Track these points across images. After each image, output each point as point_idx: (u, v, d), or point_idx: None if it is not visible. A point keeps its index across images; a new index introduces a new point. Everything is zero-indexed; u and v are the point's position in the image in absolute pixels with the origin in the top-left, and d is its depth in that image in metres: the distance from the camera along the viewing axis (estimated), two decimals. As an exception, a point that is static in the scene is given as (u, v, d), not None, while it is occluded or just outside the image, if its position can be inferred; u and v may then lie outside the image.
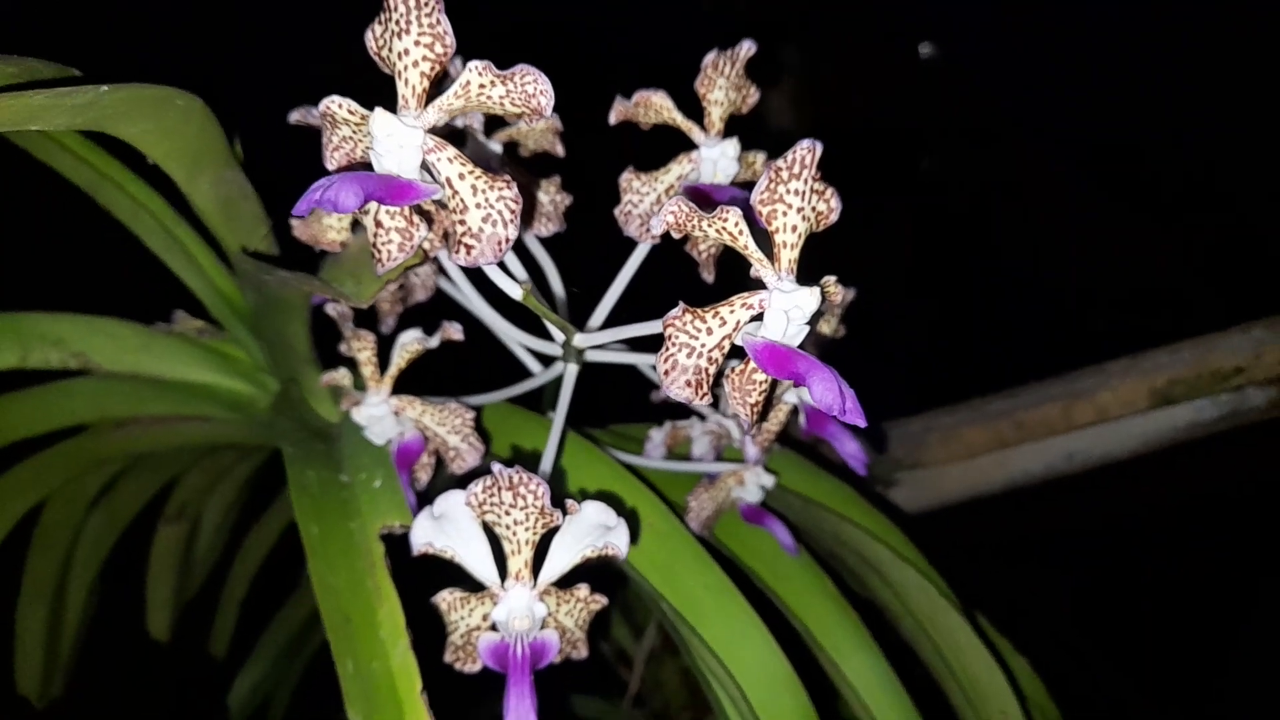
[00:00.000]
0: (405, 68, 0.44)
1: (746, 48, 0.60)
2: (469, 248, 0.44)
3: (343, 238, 0.64)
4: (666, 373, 0.45)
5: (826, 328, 0.70)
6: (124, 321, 0.86)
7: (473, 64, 0.43)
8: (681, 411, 0.86)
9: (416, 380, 0.69)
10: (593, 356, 0.68)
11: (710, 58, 0.60)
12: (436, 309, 0.81)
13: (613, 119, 0.62)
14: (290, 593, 1.33)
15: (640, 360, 0.70)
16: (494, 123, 0.69)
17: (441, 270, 0.74)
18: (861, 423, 0.41)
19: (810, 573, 0.78)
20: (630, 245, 0.67)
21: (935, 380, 1.35)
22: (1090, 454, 1.26)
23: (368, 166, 0.46)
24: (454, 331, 0.62)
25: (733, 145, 0.61)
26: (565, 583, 0.54)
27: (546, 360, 0.75)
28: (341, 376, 0.66)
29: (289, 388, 0.77)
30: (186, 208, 0.84)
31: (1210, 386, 1.13)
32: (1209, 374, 1.12)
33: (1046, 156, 1.86)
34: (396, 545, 0.59)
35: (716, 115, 0.61)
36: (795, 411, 0.73)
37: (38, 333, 0.83)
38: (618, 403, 0.95)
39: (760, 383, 0.47)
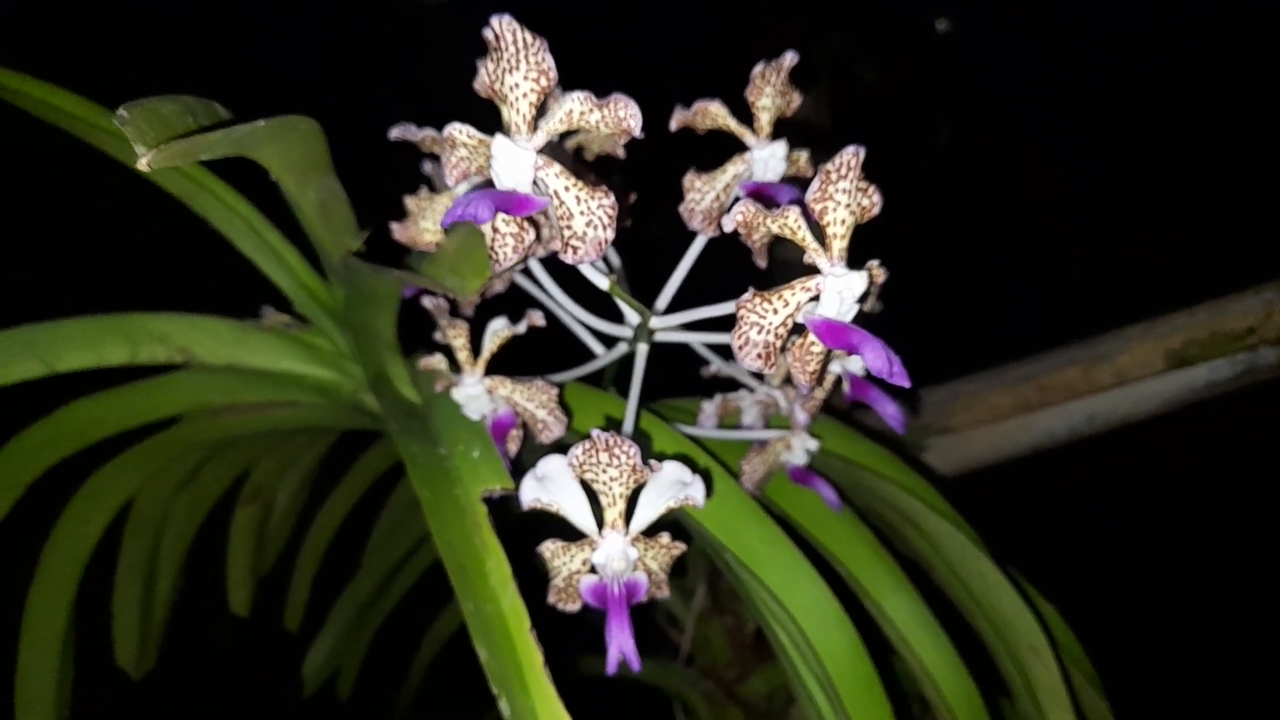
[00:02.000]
0: (516, 98, 0.53)
1: (790, 58, 0.69)
2: (575, 249, 0.54)
3: (438, 239, 0.74)
4: (740, 347, 0.55)
5: (868, 305, 0.79)
6: (221, 318, 0.96)
7: (574, 94, 0.53)
8: (727, 385, 0.96)
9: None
10: (658, 337, 0.78)
11: (758, 69, 0.69)
12: (506, 297, 0.92)
13: (673, 126, 0.71)
14: (355, 570, 1.44)
15: (695, 339, 0.79)
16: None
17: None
18: (907, 383, 0.51)
19: (853, 526, 0.88)
20: (680, 235, 0.76)
21: (960, 349, 1.44)
22: (1111, 415, 1.35)
23: (483, 181, 0.55)
24: (538, 319, 0.72)
25: (781, 146, 0.70)
26: (650, 532, 0.63)
27: (609, 342, 0.85)
28: (438, 361, 0.76)
29: (380, 377, 0.86)
30: (273, 213, 0.95)
31: (1224, 347, 1.21)
32: (1222, 335, 1.20)
33: (1060, 129, 1.94)
34: (498, 508, 0.69)
35: (765, 119, 0.70)
36: (838, 381, 0.83)
37: (145, 331, 0.93)
38: (664, 380, 1.05)
39: (818, 353, 0.57)
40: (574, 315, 0.78)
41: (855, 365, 0.78)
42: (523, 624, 0.63)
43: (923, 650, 0.84)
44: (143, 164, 0.47)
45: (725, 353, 0.94)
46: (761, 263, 0.72)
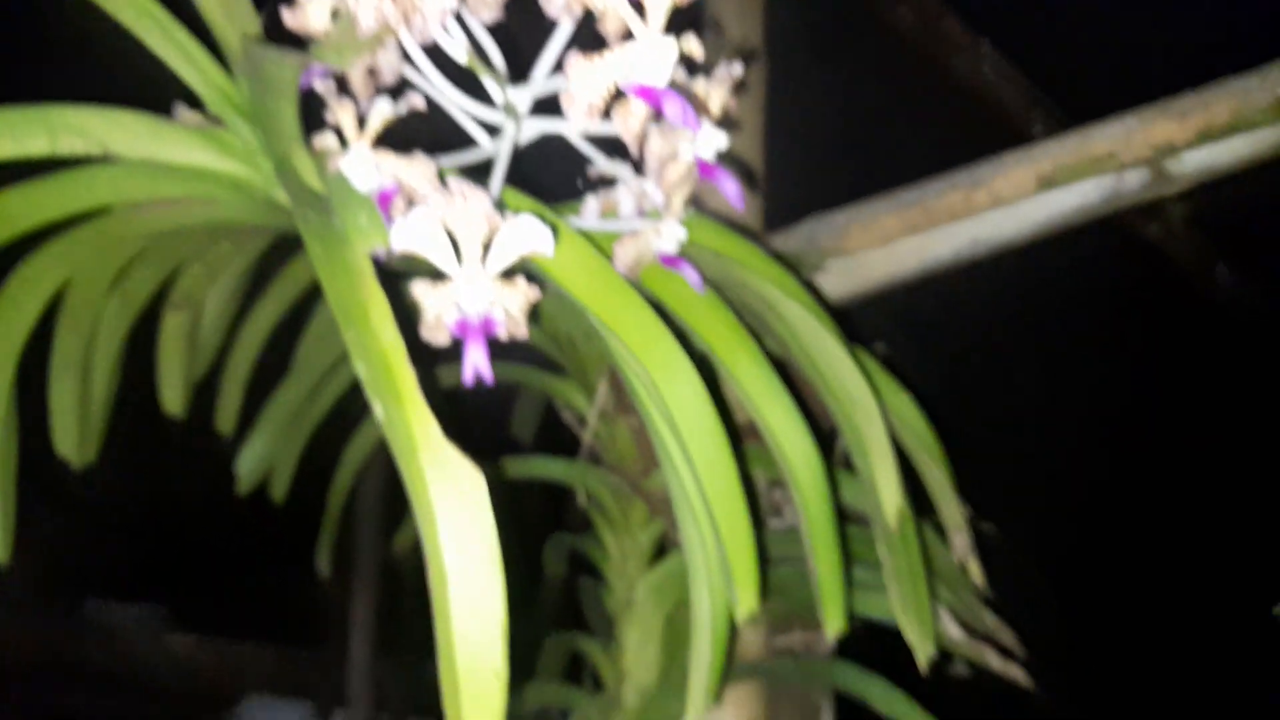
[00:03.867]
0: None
1: None
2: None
3: (326, 25, 0.84)
4: (568, 106, 0.67)
5: (717, 96, 0.90)
6: (137, 113, 1.05)
7: None
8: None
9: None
10: (532, 127, 0.90)
11: None
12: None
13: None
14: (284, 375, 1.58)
15: (564, 128, 0.91)
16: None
17: (408, 60, 0.94)
18: (696, 129, 0.63)
19: (715, 306, 1.02)
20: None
21: (863, 177, 1.57)
22: (993, 240, 1.49)
23: None
24: (417, 101, 0.83)
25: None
26: (507, 276, 0.76)
27: (496, 134, 0.96)
28: (330, 140, 0.87)
29: (284, 161, 0.97)
30: (182, 14, 1.03)
31: (1088, 169, 1.34)
32: (1086, 158, 1.33)
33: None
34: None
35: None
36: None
37: (63, 123, 1.02)
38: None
39: (639, 114, 0.69)
40: (454, 100, 0.89)
41: (703, 150, 0.90)
42: (400, 352, 0.76)
43: (770, 414, 1.00)
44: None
45: (607, 149, 1.06)
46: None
